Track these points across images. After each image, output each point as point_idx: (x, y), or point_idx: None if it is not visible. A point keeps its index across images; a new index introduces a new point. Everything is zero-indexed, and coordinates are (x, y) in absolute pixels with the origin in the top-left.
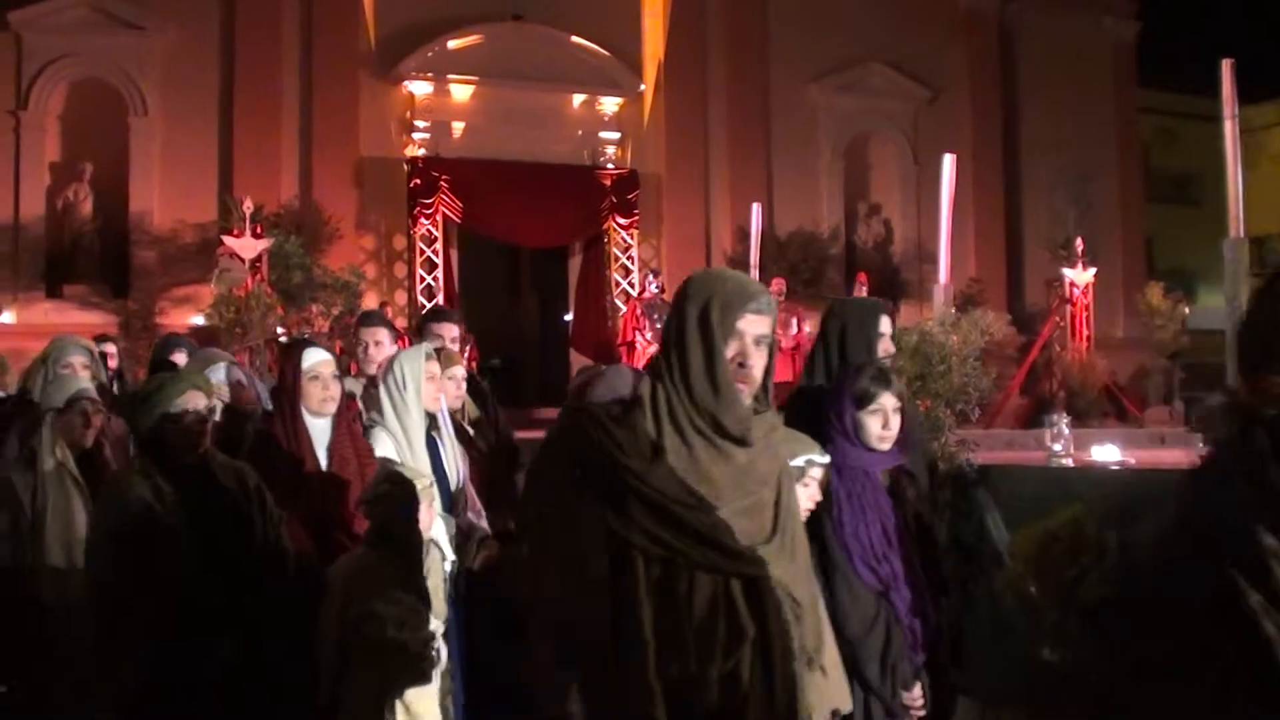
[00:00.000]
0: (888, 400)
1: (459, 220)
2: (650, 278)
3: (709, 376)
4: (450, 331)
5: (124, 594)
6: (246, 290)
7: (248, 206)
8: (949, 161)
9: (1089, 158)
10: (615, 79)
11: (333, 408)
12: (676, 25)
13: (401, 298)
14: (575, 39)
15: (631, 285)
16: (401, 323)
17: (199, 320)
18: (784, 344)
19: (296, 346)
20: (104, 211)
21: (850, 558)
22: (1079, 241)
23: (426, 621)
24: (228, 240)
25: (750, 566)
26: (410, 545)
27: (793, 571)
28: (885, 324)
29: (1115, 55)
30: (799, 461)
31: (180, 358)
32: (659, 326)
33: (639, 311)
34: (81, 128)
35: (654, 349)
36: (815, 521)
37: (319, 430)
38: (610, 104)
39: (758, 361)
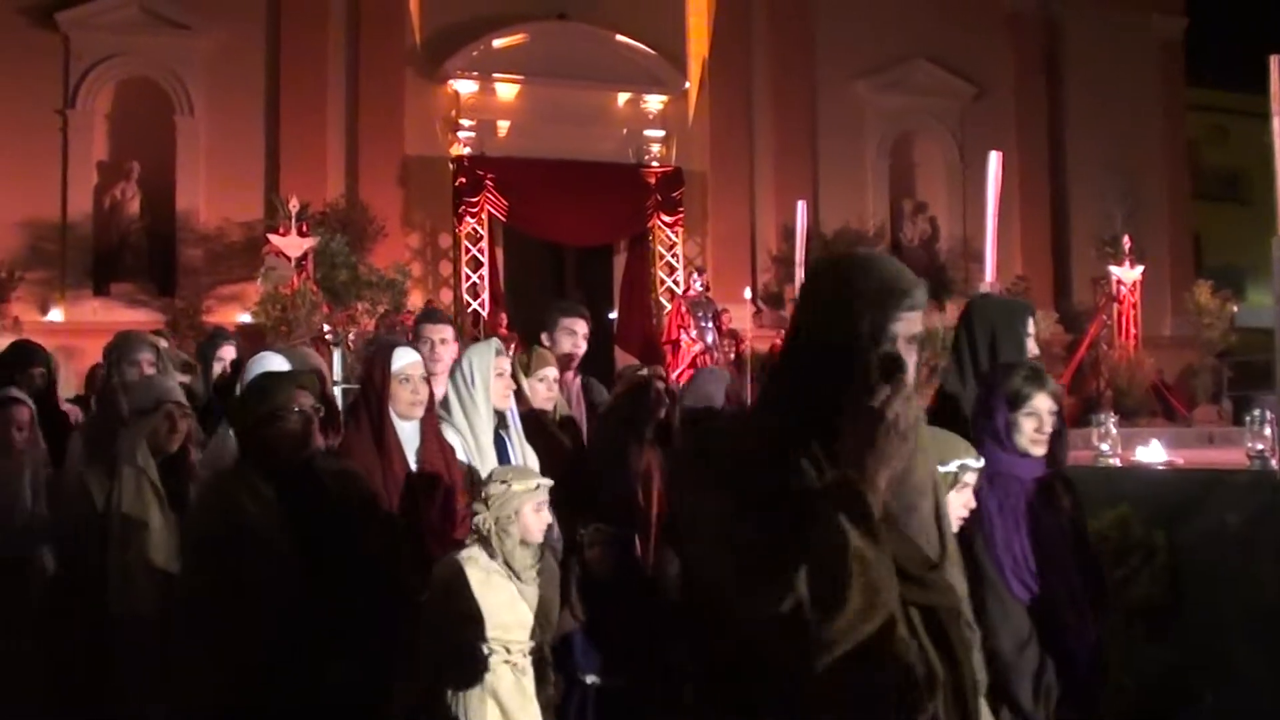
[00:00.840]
0: (1043, 402)
1: (504, 219)
2: (695, 276)
3: (860, 400)
4: (582, 328)
5: (213, 605)
6: (292, 288)
7: (293, 205)
8: (995, 159)
9: (1136, 155)
10: (660, 77)
11: (420, 411)
12: (721, 22)
13: (447, 296)
14: (620, 37)
15: (676, 283)
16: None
17: (245, 318)
18: None
19: (385, 347)
20: (151, 210)
21: (1002, 571)
22: (1127, 239)
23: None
24: (273, 239)
25: (943, 596)
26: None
27: (962, 592)
28: (1032, 324)
29: (1162, 52)
30: (951, 467)
31: (228, 352)
32: (704, 324)
33: (684, 309)
34: (128, 127)
35: (698, 347)
36: (961, 531)
37: (407, 434)
38: (655, 102)
39: (912, 366)
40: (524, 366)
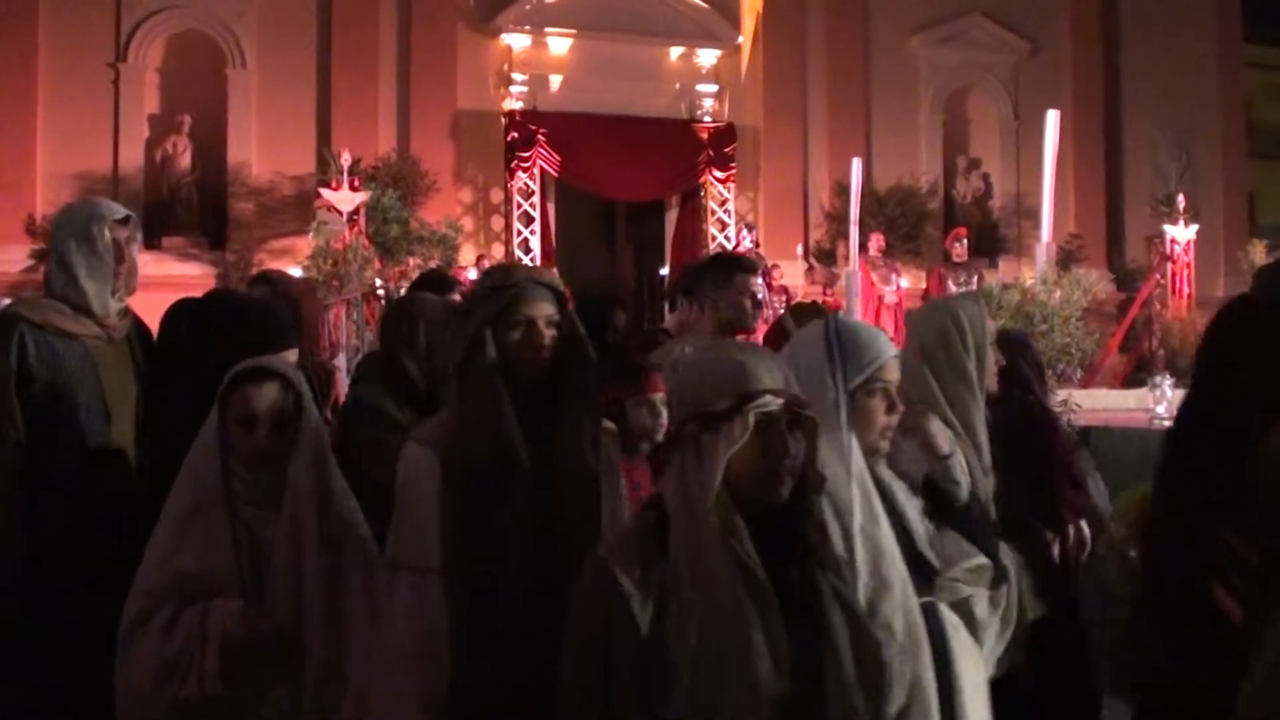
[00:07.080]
0: None
1: (556, 174)
2: (744, 232)
3: None
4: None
5: None
6: (344, 243)
7: (345, 159)
8: (1053, 118)
9: (1191, 112)
10: (713, 31)
11: None
12: None
13: (499, 251)
14: None
15: (728, 239)
16: None
17: (297, 272)
18: (887, 300)
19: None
20: (202, 164)
21: None
22: (1182, 198)
23: None
24: (325, 193)
25: None
26: None
27: None
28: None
29: (1219, 8)
30: None
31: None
32: None
33: None
34: (180, 80)
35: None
36: None
37: None
38: (708, 56)
39: None
40: None
